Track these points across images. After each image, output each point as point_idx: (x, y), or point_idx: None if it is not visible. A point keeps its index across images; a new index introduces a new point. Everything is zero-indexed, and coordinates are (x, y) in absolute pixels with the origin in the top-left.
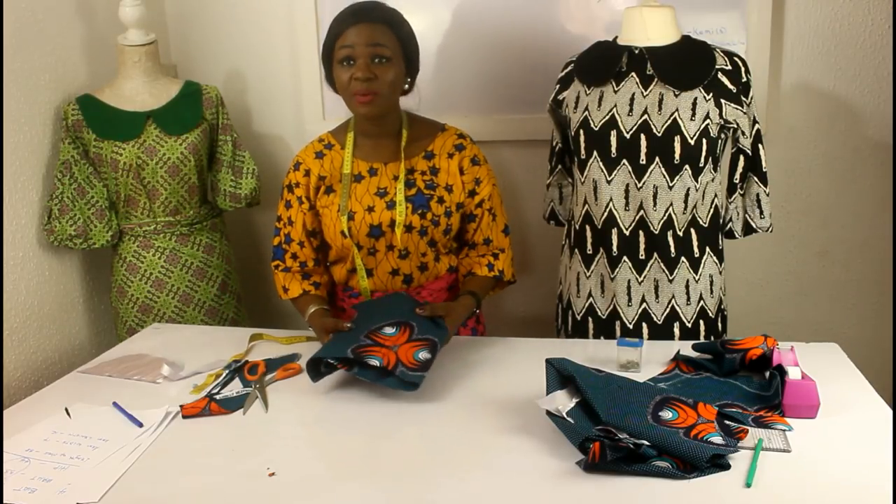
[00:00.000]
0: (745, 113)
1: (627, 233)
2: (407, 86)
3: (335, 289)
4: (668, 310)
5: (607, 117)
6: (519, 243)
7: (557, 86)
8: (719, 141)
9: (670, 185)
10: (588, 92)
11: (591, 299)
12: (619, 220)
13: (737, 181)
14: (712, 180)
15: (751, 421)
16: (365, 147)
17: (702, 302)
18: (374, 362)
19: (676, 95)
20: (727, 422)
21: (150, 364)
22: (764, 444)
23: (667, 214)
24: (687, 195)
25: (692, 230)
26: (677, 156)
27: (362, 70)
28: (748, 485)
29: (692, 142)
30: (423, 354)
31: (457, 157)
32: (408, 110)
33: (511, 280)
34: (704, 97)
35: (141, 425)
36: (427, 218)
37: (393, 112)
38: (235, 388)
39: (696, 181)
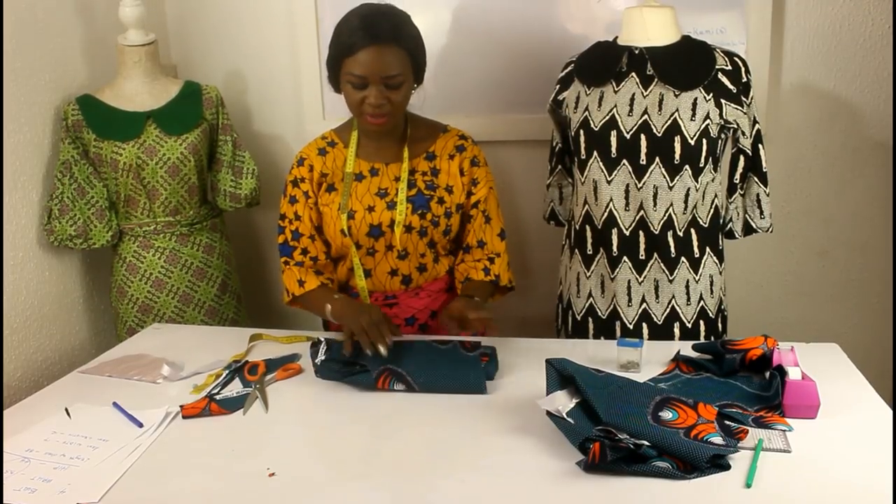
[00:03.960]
0: (745, 113)
1: (627, 233)
2: (414, 90)
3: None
4: (668, 310)
5: (607, 117)
6: (519, 244)
7: (557, 86)
8: (719, 141)
9: (670, 185)
10: (588, 92)
11: (591, 299)
12: (619, 221)
13: (737, 181)
14: (712, 180)
15: (751, 421)
16: (367, 147)
17: (702, 302)
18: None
19: (676, 95)
20: (727, 422)
21: (150, 364)
22: (764, 444)
23: (667, 214)
24: (687, 195)
25: (692, 230)
26: (677, 156)
27: (376, 97)
28: (748, 485)
29: (692, 142)
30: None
31: (457, 158)
32: (410, 110)
33: (509, 285)
34: (704, 97)
35: (141, 425)
36: (427, 218)
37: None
38: (235, 388)
39: (697, 181)
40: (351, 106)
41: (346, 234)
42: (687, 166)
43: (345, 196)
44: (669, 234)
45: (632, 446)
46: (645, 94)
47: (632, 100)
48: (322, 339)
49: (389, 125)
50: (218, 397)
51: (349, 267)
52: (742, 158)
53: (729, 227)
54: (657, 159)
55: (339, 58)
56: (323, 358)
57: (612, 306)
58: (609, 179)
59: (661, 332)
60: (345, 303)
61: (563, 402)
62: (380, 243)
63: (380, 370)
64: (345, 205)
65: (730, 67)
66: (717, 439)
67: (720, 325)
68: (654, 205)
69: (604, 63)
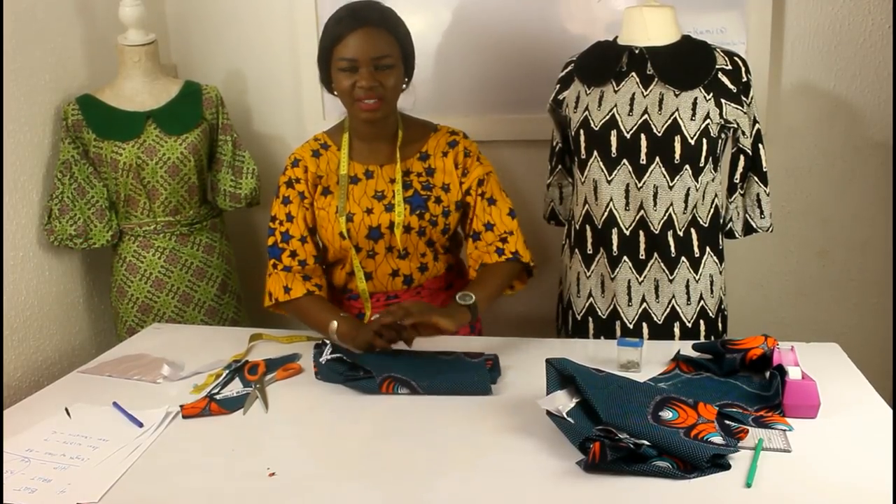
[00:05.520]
0: (745, 113)
1: (628, 233)
2: (405, 85)
3: (334, 293)
4: (668, 310)
5: (607, 117)
6: None
7: (557, 86)
8: (719, 141)
9: (670, 184)
10: (588, 92)
11: (591, 299)
12: (619, 220)
13: (737, 181)
14: (712, 180)
15: (751, 421)
16: (360, 149)
17: (702, 302)
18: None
19: (677, 95)
20: (727, 422)
21: (150, 364)
22: (764, 444)
23: (667, 214)
24: (687, 195)
25: (692, 230)
26: (677, 156)
27: (367, 79)
28: (748, 485)
29: (692, 142)
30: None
31: (451, 154)
32: (401, 111)
33: (530, 264)
34: (705, 97)
35: (141, 425)
36: (425, 218)
37: (391, 114)
38: (235, 388)
39: (697, 181)
40: (343, 95)
41: (346, 237)
42: (687, 166)
43: (341, 199)
44: (669, 233)
45: (632, 446)
46: (645, 93)
47: (632, 99)
48: (326, 342)
49: (382, 113)
50: (218, 397)
51: (348, 271)
52: (742, 158)
53: (729, 226)
54: (657, 159)
55: (330, 48)
56: (329, 357)
57: (612, 306)
58: (609, 179)
59: (661, 332)
60: (353, 324)
61: (563, 401)
62: (379, 245)
63: (383, 377)
64: (342, 208)
65: (730, 67)
66: (718, 439)
67: (720, 325)
68: (655, 204)
69: (604, 63)
